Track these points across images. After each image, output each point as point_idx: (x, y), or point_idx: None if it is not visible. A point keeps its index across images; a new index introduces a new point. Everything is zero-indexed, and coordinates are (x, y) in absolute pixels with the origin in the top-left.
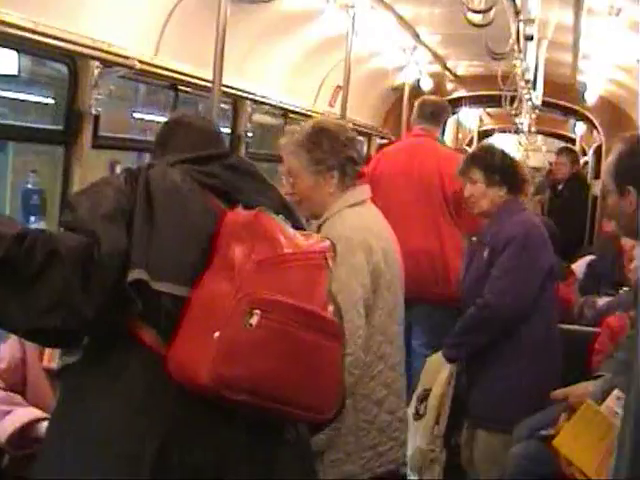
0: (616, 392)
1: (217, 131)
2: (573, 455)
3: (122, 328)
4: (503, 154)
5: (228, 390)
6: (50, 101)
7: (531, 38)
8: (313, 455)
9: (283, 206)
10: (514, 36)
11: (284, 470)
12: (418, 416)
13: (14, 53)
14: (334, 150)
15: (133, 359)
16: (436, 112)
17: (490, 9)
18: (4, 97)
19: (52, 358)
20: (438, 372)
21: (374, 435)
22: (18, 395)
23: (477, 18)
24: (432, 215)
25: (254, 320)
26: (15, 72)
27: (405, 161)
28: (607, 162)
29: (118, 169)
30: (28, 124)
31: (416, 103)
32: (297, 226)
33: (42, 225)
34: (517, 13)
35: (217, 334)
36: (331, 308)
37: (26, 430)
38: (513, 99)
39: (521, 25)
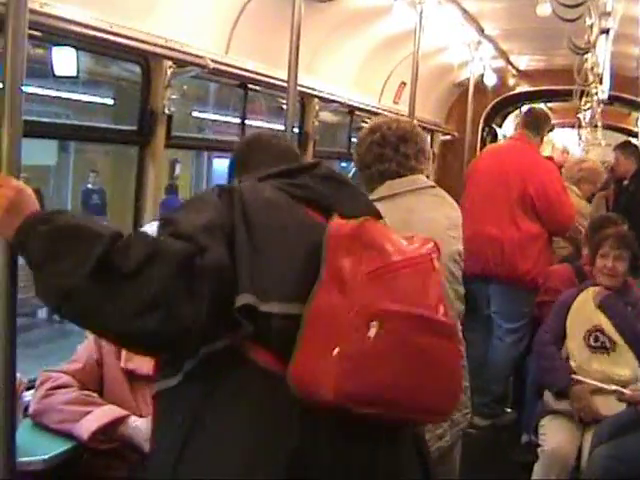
0: None
1: (294, 148)
2: None
3: (236, 350)
4: None
5: (353, 404)
6: (109, 101)
7: (607, 32)
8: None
9: (375, 212)
10: (594, 30)
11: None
12: (600, 349)
13: (73, 54)
14: (367, 149)
15: (251, 381)
16: (537, 122)
17: (583, 3)
18: (66, 98)
19: (130, 359)
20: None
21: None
22: (95, 394)
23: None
24: (509, 208)
25: (372, 332)
26: (74, 73)
27: (494, 159)
28: None
29: (178, 168)
30: (104, 125)
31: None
32: None
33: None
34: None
35: (337, 350)
36: (442, 309)
37: (108, 428)
38: (582, 93)
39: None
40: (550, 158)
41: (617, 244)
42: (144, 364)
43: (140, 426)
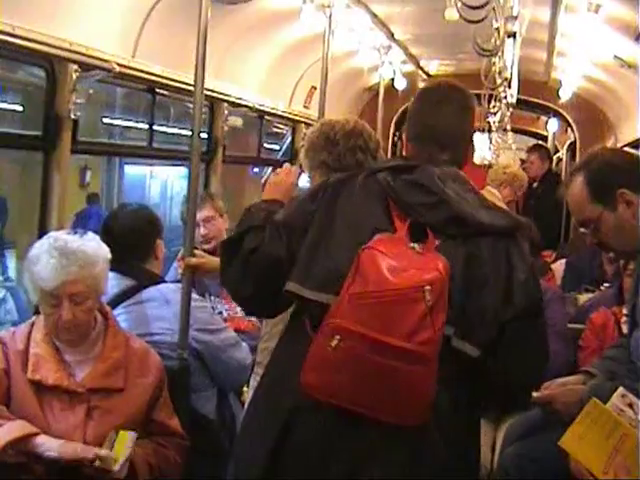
0: (620, 390)
1: None
2: (580, 454)
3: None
4: None
5: (316, 392)
6: (19, 108)
7: (514, 35)
8: None
9: (454, 218)
10: (501, 33)
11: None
12: None
13: None
14: (312, 151)
15: (299, 339)
16: None
17: (486, 4)
18: None
19: (36, 369)
20: None
21: None
22: (3, 407)
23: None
24: None
25: (333, 343)
26: None
27: None
28: (574, 197)
29: (88, 175)
30: (5, 129)
31: None
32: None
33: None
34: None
35: (311, 348)
36: (419, 337)
37: (17, 443)
38: (490, 97)
39: (502, 22)
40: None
41: None
42: (50, 375)
43: (50, 447)
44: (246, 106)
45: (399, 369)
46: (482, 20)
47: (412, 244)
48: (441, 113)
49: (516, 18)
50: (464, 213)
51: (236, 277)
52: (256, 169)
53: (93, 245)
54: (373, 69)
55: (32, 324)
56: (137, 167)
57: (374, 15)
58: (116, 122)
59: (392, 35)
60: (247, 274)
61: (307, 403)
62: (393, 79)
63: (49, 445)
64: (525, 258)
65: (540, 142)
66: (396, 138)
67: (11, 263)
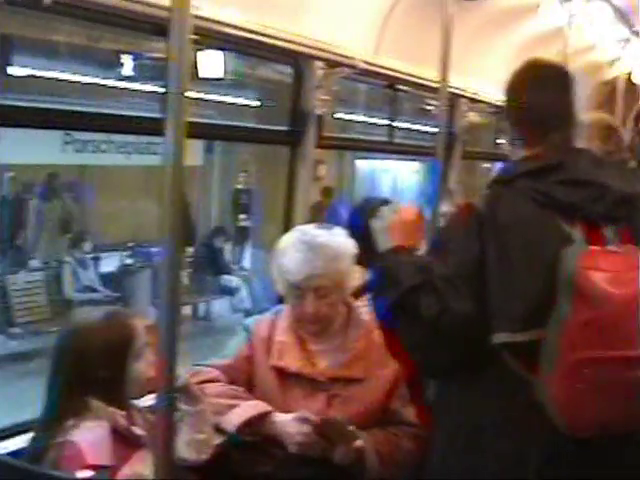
0: None
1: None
2: None
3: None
4: None
5: (579, 432)
6: (255, 103)
7: None
8: None
9: (624, 202)
10: None
11: None
12: None
13: (220, 56)
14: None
15: (502, 380)
16: None
17: None
18: (210, 100)
19: (280, 357)
20: None
21: None
22: (241, 388)
23: None
24: None
25: (583, 378)
26: (220, 75)
27: None
28: None
29: (322, 169)
30: (255, 125)
31: None
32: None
33: (248, 222)
34: None
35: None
36: None
37: (253, 422)
38: None
39: None
40: None
41: None
42: (294, 362)
43: (280, 422)
44: (485, 102)
45: None
46: None
47: (610, 246)
48: (556, 92)
49: None
50: (625, 192)
51: (422, 345)
52: (487, 164)
53: (340, 240)
54: (611, 62)
55: (277, 313)
56: (367, 161)
57: (615, 8)
58: (353, 117)
59: (631, 27)
60: (437, 340)
61: (559, 446)
62: (630, 73)
63: (279, 420)
64: None
65: None
66: (634, 133)
67: (246, 253)
